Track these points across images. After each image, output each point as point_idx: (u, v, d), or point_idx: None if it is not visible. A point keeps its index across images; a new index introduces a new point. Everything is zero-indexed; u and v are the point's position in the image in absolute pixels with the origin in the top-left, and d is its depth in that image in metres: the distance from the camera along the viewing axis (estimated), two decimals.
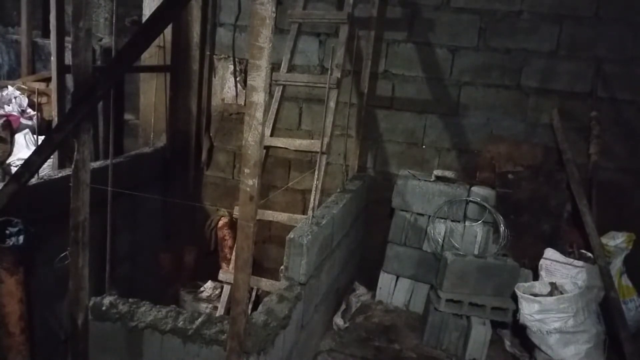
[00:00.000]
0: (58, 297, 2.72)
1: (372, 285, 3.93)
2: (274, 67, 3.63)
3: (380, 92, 4.14)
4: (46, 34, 4.94)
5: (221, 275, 3.53)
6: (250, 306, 3.25)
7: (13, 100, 4.36)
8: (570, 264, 3.34)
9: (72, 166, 1.76)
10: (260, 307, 2.33)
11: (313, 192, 3.21)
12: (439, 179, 3.73)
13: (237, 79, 4.41)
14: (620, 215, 3.76)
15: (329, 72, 3.10)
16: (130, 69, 3.99)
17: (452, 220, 3.66)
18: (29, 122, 4.28)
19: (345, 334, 3.39)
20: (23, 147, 4.00)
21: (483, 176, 3.91)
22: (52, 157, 2.82)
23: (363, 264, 4.19)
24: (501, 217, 3.55)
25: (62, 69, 3.32)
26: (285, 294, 2.47)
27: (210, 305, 3.95)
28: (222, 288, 3.70)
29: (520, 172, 3.79)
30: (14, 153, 4.00)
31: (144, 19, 4.29)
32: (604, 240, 3.50)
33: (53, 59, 3.30)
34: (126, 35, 4.16)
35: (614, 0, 3.63)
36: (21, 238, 2.13)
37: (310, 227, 2.75)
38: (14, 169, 3.72)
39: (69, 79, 3.03)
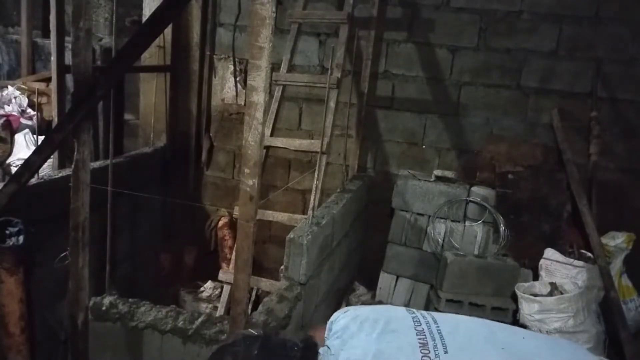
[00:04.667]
0: (58, 297, 2.72)
1: (372, 285, 3.92)
2: (274, 67, 3.63)
3: (380, 92, 4.14)
4: (46, 34, 4.93)
5: (221, 275, 3.53)
6: (250, 306, 3.25)
7: (13, 100, 4.35)
8: (570, 264, 3.34)
9: (72, 166, 1.76)
10: (260, 307, 2.33)
11: (313, 192, 3.21)
12: (439, 179, 3.73)
13: (237, 79, 4.41)
14: (620, 215, 3.76)
15: (329, 72, 3.10)
16: (130, 69, 3.99)
17: (452, 220, 3.65)
18: (29, 122, 4.27)
19: None
20: (23, 147, 3.99)
21: (483, 176, 3.91)
22: (52, 157, 2.82)
23: (363, 264, 4.18)
24: (501, 217, 3.55)
25: (62, 69, 3.32)
26: (285, 294, 2.47)
27: (210, 305, 3.95)
28: (222, 288, 3.70)
29: (520, 172, 3.79)
30: (14, 153, 3.99)
31: (144, 19, 4.29)
32: (604, 240, 3.50)
33: (53, 59, 3.30)
34: (126, 35, 4.15)
35: (614, 0, 3.63)
36: (21, 238, 2.13)
37: (310, 227, 2.75)
38: (14, 169, 3.72)
39: (69, 79, 3.04)
